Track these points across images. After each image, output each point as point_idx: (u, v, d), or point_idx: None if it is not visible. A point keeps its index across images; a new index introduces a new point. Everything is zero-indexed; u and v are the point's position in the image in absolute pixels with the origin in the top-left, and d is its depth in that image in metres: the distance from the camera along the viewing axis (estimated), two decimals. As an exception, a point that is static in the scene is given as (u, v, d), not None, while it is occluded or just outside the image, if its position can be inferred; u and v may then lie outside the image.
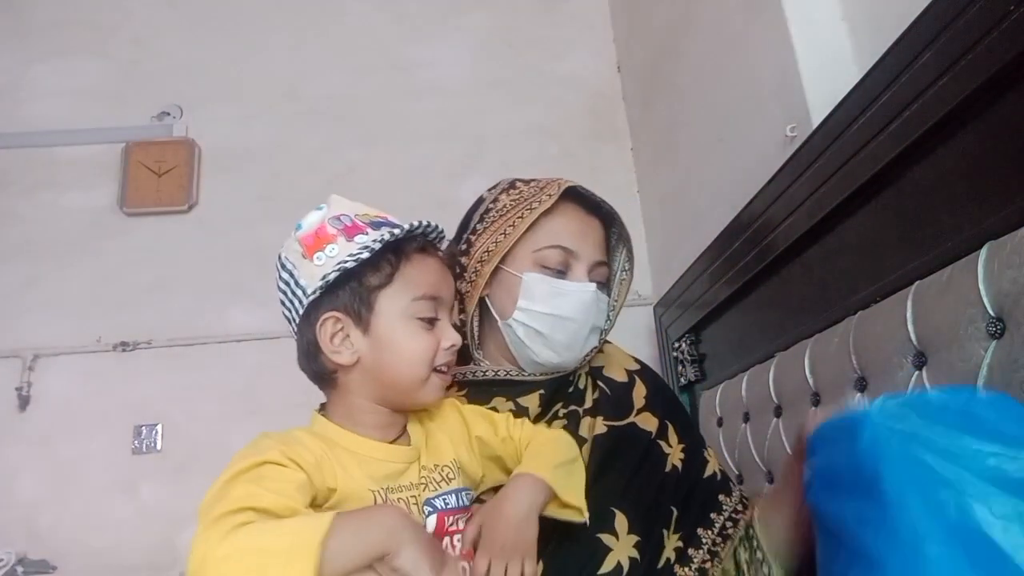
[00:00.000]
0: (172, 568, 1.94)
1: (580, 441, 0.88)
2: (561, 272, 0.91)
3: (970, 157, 0.86)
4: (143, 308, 2.23)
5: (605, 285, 0.96)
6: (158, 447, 2.12)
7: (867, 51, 1.15)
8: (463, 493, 0.79)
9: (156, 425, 2.14)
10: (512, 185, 0.97)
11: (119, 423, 2.13)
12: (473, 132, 2.44)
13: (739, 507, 0.91)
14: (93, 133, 2.39)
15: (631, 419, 0.92)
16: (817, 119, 1.17)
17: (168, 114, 2.43)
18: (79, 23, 2.52)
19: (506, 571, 0.70)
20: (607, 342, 1.02)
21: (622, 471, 0.86)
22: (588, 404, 0.93)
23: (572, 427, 0.90)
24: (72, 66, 2.47)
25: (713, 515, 0.88)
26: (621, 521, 0.82)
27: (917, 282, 0.90)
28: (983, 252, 0.78)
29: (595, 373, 0.97)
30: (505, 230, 0.91)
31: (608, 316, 0.97)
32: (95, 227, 2.31)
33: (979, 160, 0.85)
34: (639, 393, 0.96)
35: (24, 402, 2.13)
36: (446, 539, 0.75)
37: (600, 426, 0.90)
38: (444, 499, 0.77)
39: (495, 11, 2.60)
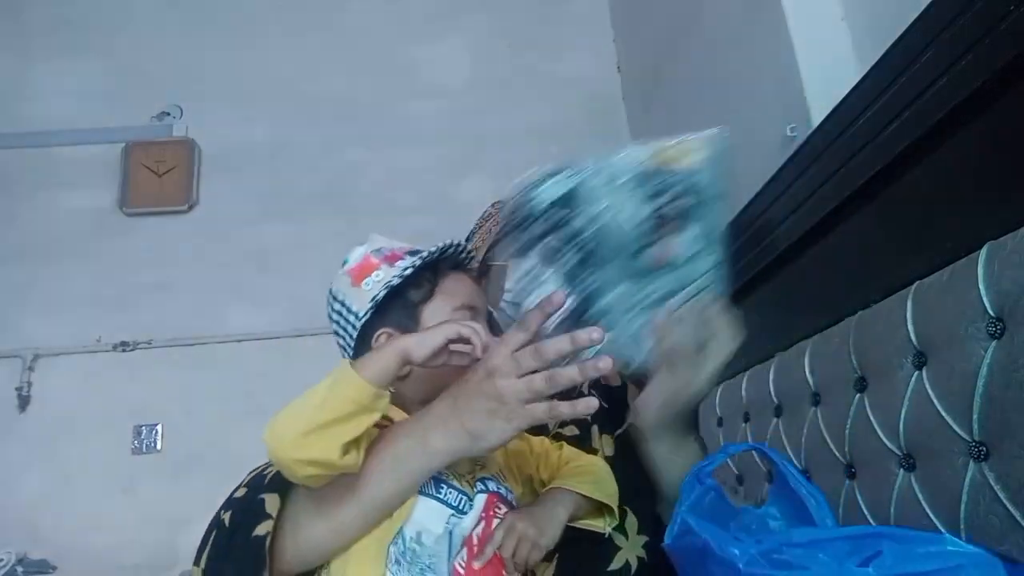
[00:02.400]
0: (172, 568, 1.94)
1: (593, 452, 0.91)
2: None
3: (970, 157, 0.86)
4: (143, 308, 2.23)
5: None
6: (158, 447, 2.13)
7: (867, 51, 1.15)
8: (510, 492, 0.82)
9: (156, 425, 2.14)
10: None
11: (119, 423, 2.13)
12: (473, 132, 2.44)
13: None
14: (93, 133, 2.40)
15: (630, 421, 0.94)
16: (817, 119, 1.17)
17: (168, 114, 2.43)
18: (79, 23, 2.52)
19: (519, 543, 0.72)
20: None
21: (631, 476, 0.88)
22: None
23: (585, 435, 0.92)
24: (72, 66, 2.47)
25: None
26: (631, 521, 0.85)
27: (917, 282, 0.90)
28: (983, 252, 0.78)
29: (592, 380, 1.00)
30: (490, 227, 1.00)
31: None
32: (95, 227, 2.31)
33: (979, 160, 0.85)
34: (633, 395, 0.98)
35: (24, 402, 2.13)
36: (495, 521, 0.76)
37: (608, 445, 0.93)
38: (496, 484, 0.80)
39: (495, 11, 2.60)
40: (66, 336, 2.20)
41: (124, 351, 2.19)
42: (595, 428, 0.93)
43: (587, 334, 0.64)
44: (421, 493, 0.73)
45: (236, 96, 2.47)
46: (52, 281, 2.25)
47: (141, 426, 2.13)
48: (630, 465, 0.89)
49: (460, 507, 0.74)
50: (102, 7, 2.55)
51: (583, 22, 2.60)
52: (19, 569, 1.95)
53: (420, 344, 0.70)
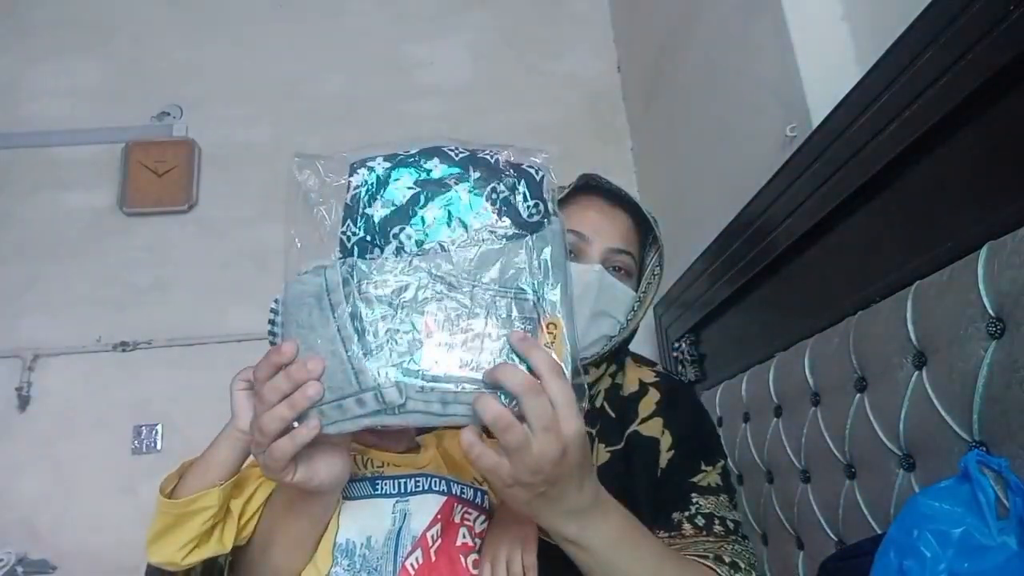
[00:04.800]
0: (172, 568, 1.94)
1: None
2: (572, 255, 0.90)
3: (970, 157, 0.86)
4: (143, 308, 2.23)
5: (629, 275, 0.94)
6: (158, 447, 2.12)
7: (867, 51, 1.15)
8: (482, 494, 0.79)
9: (156, 425, 2.14)
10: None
11: (119, 423, 2.13)
12: (473, 132, 2.42)
13: (722, 520, 0.83)
14: (93, 133, 2.40)
15: (633, 428, 0.88)
16: (817, 119, 1.17)
17: (168, 114, 2.43)
18: (79, 23, 2.52)
19: (509, 569, 0.70)
20: (640, 357, 1.01)
21: (618, 490, 0.80)
22: (597, 427, 0.90)
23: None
24: (72, 66, 2.47)
25: (675, 514, 0.82)
26: None
27: (917, 282, 0.90)
28: (983, 252, 0.78)
29: (613, 392, 0.94)
30: None
31: (633, 309, 0.94)
32: (95, 227, 2.31)
33: (979, 160, 0.85)
34: (650, 400, 0.92)
35: (24, 402, 2.13)
36: (461, 530, 0.74)
37: (603, 454, 0.87)
38: (461, 487, 0.77)
39: (495, 11, 2.60)
40: (66, 336, 2.19)
41: (124, 351, 2.19)
42: (595, 444, 0.86)
43: (303, 366, 0.57)
44: (357, 498, 0.74)
45: (236, 96, 2.47)
46: (52, 281, 2.25)
47: (141, 426, 2.13)
48: (617, 482, 0.81)
49: (404, 491, 0.74)
50: (102, 7, 2.54)
51: (583, 22, 2.60)
52: (19, 569, 1.95)
53: (235, 416, 0.71)
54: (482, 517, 0.77)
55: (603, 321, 0.91)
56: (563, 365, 0.57)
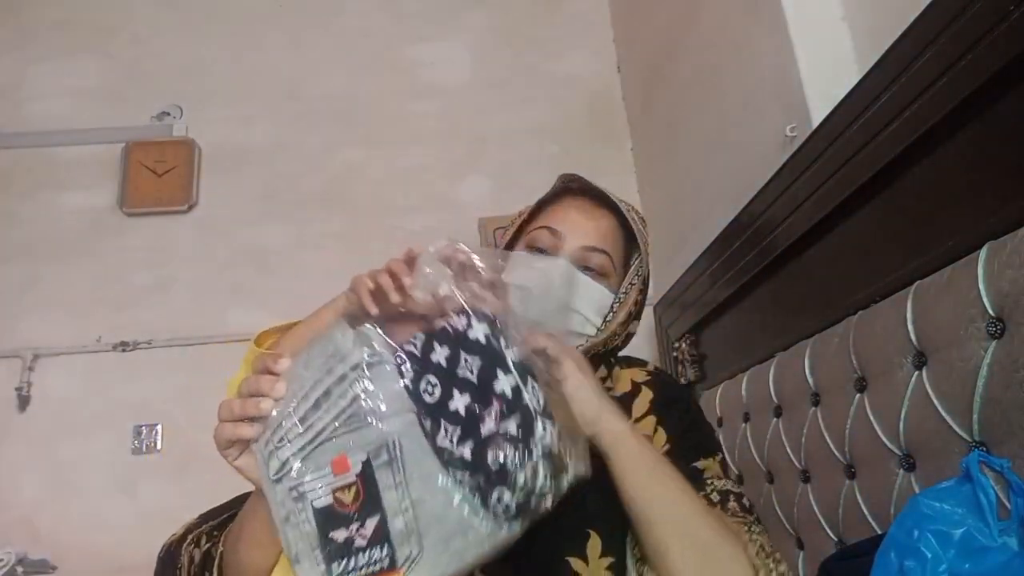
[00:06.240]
0: (172, 568, 1.94)
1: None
2: (545, 251, 0.88)
3: (970, 157, 0.86)
4: (143, 308, 2.23)
5: (604, 275, 0.89)
6: (158, 447, 2.12)
7: (867, 51, 1.15)
8: None
9: (156, 425, 2.14)
10: None
11: (119, 423, 2.13)
12: (473, 132, 2.44)
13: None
14: (93, 133, 2.40)
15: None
16: (817, 119, 1.17)
17: (168, 114, 2.43)
18: (79, 23, 2.52)
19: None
20: (630, 358, 0.97)
21: (604, 490, 0.75)
22: None
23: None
24: (72, 66, 2.47)
25: None
26: (594, 544, 0.76)
27: (917, 282, 0.90)
28: (983, 252, 0.78)
29: None
30: (515, 223, 0.94)
31: (612, 309, 0.90)
32: (95, 227, 2.31)
33: (979, 160, 0.85)
34: (644, 399, 0.88)
35: (24, 402, 2.13)
36: None
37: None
38: None
39: (495, 11, 2.60)
40: (66, 336, 2.19)
41: (124, 351, 2.19)
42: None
43: (271, 383, 0.62)
44: None
45: (236, 96, 2.47)
46: (52, 281, 2.25)
47: (141, 426, 2.13)
48: (603, 481, 0.75)
49: None
50: (102, 7, 2.54)
51: (583, 22, 2.60)
52: (19, 569, 1.95)
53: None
54: None
55: (569, 318, 0.87)
56: None
